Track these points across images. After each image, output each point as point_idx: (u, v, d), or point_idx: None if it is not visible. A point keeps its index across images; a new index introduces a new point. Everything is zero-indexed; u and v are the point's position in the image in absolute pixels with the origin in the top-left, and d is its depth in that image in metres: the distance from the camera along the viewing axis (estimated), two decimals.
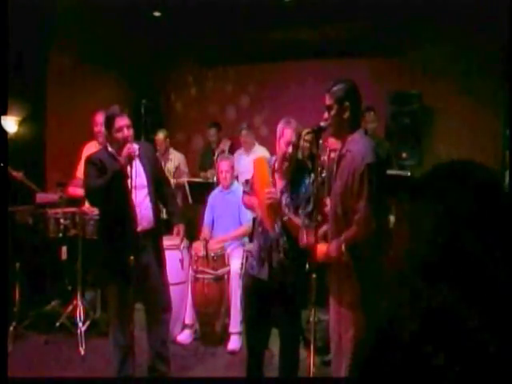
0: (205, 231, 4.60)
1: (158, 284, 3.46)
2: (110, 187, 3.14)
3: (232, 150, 5.85)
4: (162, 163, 5.54)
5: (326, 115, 2.66)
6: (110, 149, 3.30)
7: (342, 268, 2.57)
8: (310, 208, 2.99)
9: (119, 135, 3.21)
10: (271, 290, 3.09)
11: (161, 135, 5.80)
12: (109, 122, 3.25)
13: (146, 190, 3.35)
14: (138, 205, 3.25)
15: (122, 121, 3.21)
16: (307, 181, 3.10)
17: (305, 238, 2.82)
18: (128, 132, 3.22)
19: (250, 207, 3.40)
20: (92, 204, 3.65)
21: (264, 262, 3.11)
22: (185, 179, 5.45)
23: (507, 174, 5.05)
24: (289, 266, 3.07)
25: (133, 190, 3.11)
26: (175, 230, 3.56)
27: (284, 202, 3.02)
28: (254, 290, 3.21)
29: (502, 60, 5.40)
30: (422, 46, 6.20)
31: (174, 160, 5.85)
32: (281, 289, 3.08)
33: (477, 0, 4.99)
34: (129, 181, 3.10)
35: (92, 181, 3.21)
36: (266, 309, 3.14)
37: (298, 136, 3.06)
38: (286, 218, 2.97)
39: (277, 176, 3.12)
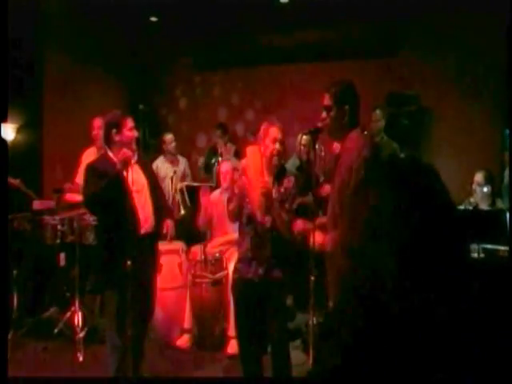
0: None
1: (150, 288, 3.45)
2: (109, 192, 3.14)
3: (236, 155, 5.89)
4: (170, 166, 5.72)
5: (323, 114, 2.65)
6: (110, 153, 3.29)
7: (340, 269, 2.55)
8: (298, 201, 2.99)
9: (131, 134, 3.27)
10: (260, 289, 3.05)
11: (169, 136, 5.89)
12: (118, 124, 3.26)
13: (147, 194, 3.38)
14: (141, 208, 3.28)
15: (132, 122, 3.31)
16: (293, 177, 3.11)
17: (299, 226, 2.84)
18: (136, 132, 3.33)
19: (238, 207, 3.22)
20: (91, 212, 3.64)
21: (252, 261, 3.07)
22: (183, 183, 5.48)
23: (506, 174, 5.04)
24: (277, 263, 3.04)
25: (134, 194, 3.17)
26: (164, 226, 3.48)
27: (273, 199, 3.01)
28: (242, 292, 3.15)
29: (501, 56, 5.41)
30: (420, 47, 6.20)
31: (181, 163, 5.94)
32: (269, 287, 3.04)
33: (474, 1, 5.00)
34: (129, 185, 3.13)
35: (91, 189, 3.21)
36: (256, 310, 3.09)
37: (283, 134, 3.06)
38: (275, 211, 2.96)
39: (264, 174, 3.09)
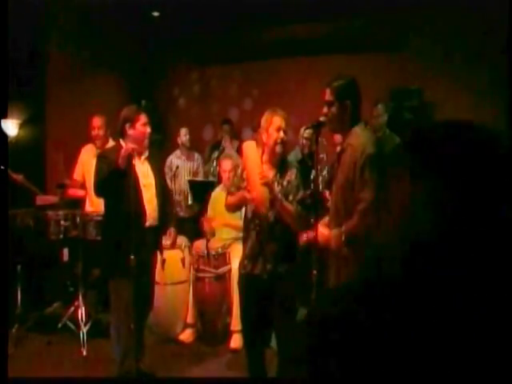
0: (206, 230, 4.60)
1: (151, 280, 3.56)
2: (116, 180, 3.23)
3: (238, 151, 5.90)
4: (185, 162, 5.78)
5: (325, 110, 2.64)
6: (123, 144, 3.37)
7: (342, 263, 2.55)
8: (300, 195, 3.00)
9: (143, 129, 3.39)
10: (266, 284, 3.03)
11: (184, 129, 5.94)
12: (132, 119, 3.39)
13: (154, 190, 3.49)
14: (147, 202, 3.41)
15: (145, 118, 3.43)
16: (295, 169, 3.12)
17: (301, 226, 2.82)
18: (149, 128, 3.45)
19: (237, 204, 3.25)
20: (98, 196, 3.68)
21: (258, 257, 3.05)
22: (187, 178, 5.51)
23: None
24: (284, 256, 3.03)
25: (142, 188, 3.36)
26: (167, 233, 3.65)
27: (275, 189, 2.99)
28: (249, 288, 3.13)
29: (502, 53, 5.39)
30: (423, 42, 6.17)
31: (196, 160, 5.99)
32: (276, 281, 3.02)
33: None
34: (138, 177, 3.33)
35: (100, 174, 3.34)
36: (263, 305, 3.07)
37: (286, 122, 3.05)
38: (279, 202, 2.95)
39: (265, 167, 3.08)
